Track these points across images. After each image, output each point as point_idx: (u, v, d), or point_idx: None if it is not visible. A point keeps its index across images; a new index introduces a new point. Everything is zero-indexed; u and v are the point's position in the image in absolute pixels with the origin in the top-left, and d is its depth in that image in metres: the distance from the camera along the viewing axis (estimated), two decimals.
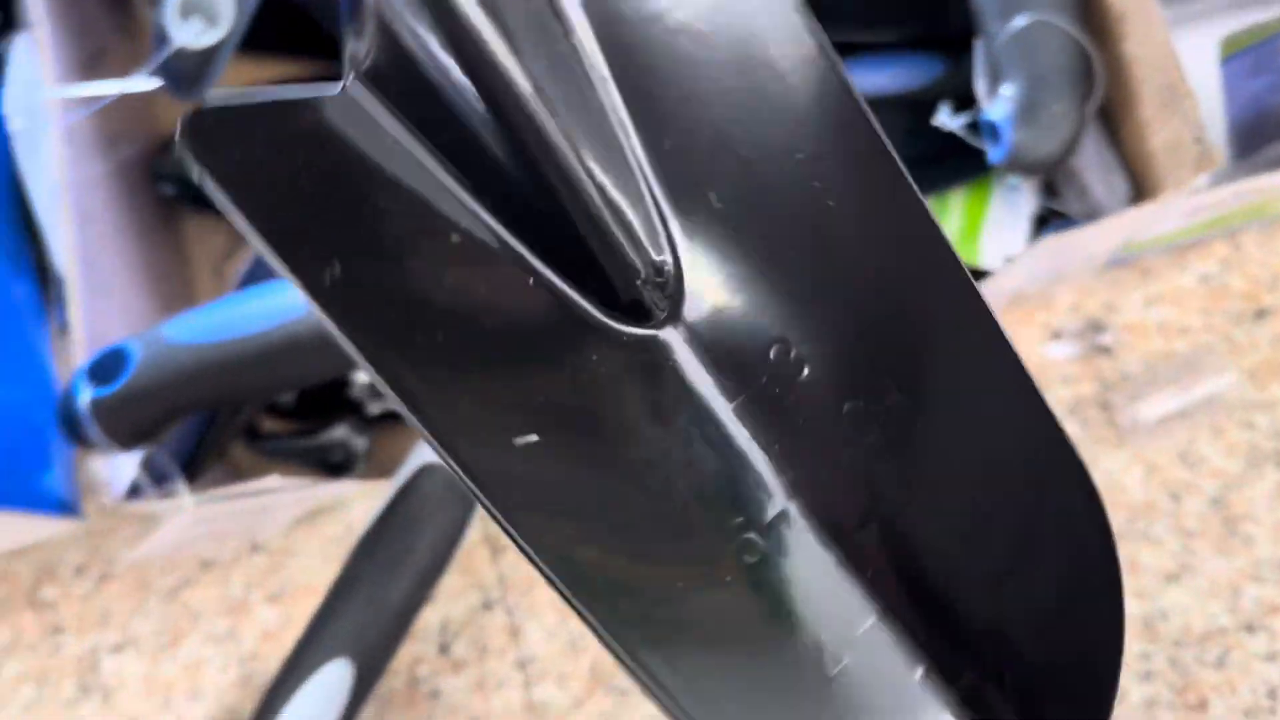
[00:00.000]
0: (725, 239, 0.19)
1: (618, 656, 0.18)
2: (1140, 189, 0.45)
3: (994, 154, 0.43)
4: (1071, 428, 0.52)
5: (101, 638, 0.53)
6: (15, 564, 0.54)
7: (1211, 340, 0.52)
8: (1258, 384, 0.51)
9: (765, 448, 0.19)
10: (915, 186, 0.20)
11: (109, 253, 0.44)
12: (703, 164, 0.19)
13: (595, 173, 0.18)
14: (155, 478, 0.40)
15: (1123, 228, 0.42)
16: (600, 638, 0.18)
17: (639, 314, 0.19)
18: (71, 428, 0.37)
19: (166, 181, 0.52)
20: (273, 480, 0.40)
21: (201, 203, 0.54)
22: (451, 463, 0.18)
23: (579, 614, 0.18)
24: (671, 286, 0.19)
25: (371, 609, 0.41)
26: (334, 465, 0.47)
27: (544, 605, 0.51)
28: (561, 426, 0.18)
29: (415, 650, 0.52)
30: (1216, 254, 0.53)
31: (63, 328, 0.42)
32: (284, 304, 0.37)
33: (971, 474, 0.20)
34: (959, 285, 0.20)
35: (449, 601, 0.52)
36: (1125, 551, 0.50)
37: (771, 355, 0.19)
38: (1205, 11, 0.45)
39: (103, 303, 0.43)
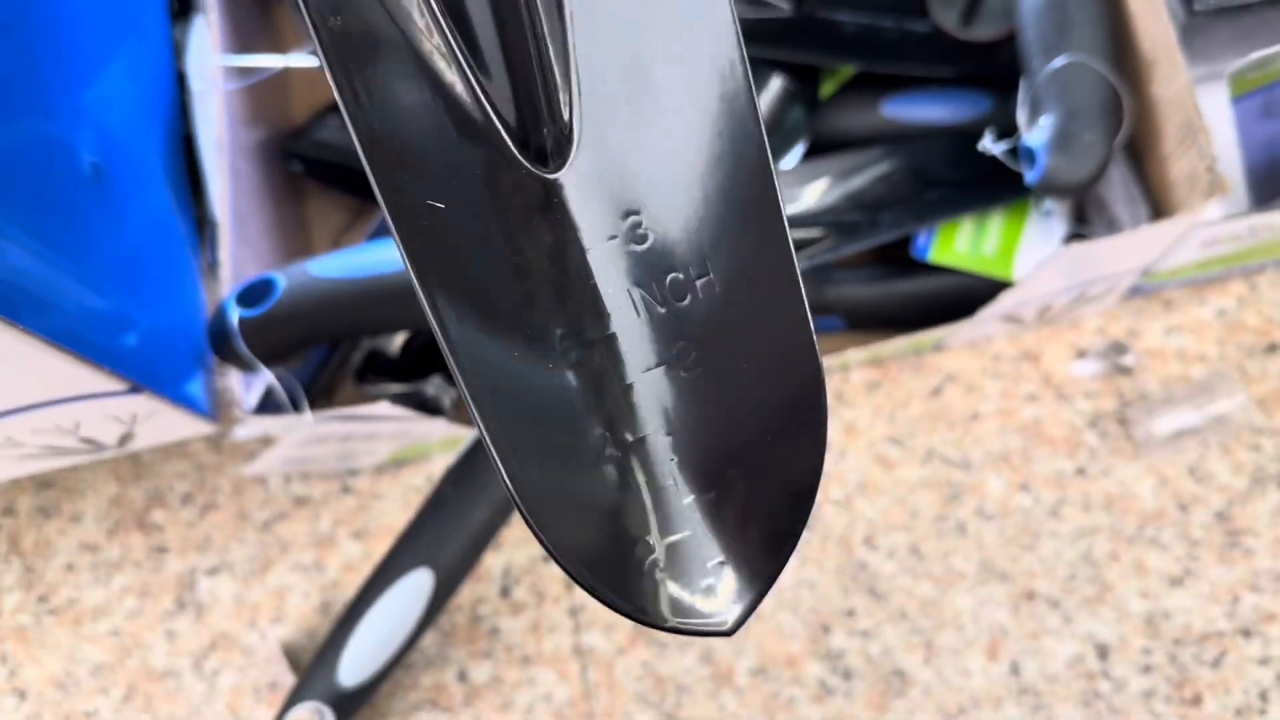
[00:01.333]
0: (616, 121, 0.25)
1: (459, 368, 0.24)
2: (1160, 217, 0.51)
3: (1030, 176, 0.48)
4: (1091, 439, 0.57)
5: (200, 560, 0.59)
6: (131, 490, 0.61)
7: (1225, 369, 0.57)
8: (1266, 412, 0.56)
9: (602, 285, 0.25)
10: (768, 148, 0.26)
11: (250, 209, 0.51)
12: (614, 58, 0.25)
13: (541, 28, 0.24)
14: (279, 400, 0.47)
15: (1139, 245, 0.47)
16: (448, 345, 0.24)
17: (539, 158, 0.25)
18: (220, 342, 0.44)
19: (296, 160, 0.59)
20: (383, 407, 0.46)
21: (323, 181, 0.61)
22: (380, 198, 0.23)
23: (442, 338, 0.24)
24: (568, 144, 0.25)
25: (453, 528, 0.47)
26: (427, 411, 0.53)
27: None
28: (466, 212, 0.24)
29: (479, 591, 0.57)
30: (1234, 292, 0.58)
31: (211, 265, 0.49)
32: None
33: (743, 336, 0.26)
34: (772, 221, 0.26)
35: (512, 550, 0.57)
36: (1134, 554, 0.55)
37: (625, 222, 0.25)
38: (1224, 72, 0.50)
39: (244, 249, 0.49)
